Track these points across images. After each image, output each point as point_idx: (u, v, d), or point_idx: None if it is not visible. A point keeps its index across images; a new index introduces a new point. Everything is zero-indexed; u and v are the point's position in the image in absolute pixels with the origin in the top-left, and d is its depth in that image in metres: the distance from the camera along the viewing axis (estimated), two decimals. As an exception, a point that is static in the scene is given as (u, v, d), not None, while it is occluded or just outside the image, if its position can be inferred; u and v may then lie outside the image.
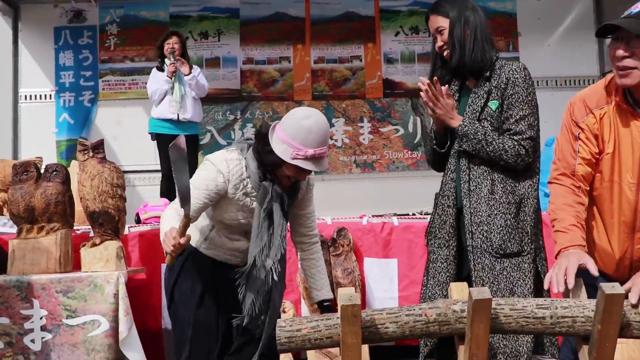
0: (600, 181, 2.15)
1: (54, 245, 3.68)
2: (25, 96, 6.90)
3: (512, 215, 2.40)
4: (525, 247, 2.41)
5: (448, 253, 2.51)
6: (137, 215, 4.55)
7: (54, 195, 3.72)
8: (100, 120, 6.87)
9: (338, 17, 7.00)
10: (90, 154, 3.77)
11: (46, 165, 3.83)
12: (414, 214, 4.71)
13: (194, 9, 6.99)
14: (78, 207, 3.97)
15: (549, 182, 2.28)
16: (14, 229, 3.98)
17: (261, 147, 2.56)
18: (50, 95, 6.92)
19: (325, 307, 2.83)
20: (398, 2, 7.05)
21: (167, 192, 5.20)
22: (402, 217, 4.53)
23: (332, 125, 6.96)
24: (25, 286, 3.52)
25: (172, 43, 5.53)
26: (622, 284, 2.05)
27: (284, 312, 4.12)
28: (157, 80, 5.58)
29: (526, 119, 2.43)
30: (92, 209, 3.72)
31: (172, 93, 5.46)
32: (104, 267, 3.66)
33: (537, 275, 2.43)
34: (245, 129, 6.91)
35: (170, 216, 2.60)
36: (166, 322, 4.20)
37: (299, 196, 2.80)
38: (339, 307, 1.81)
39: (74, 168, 4.62)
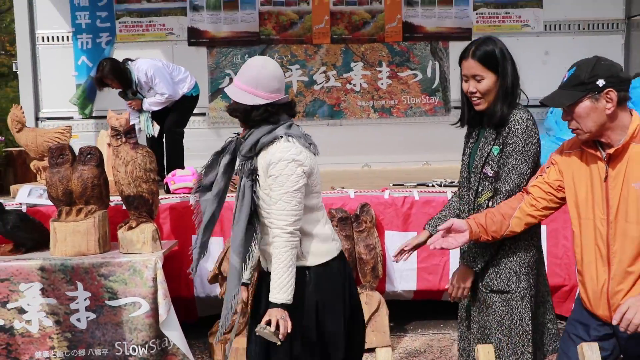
0: (577, 219, 2.34)
1: (93, 228, 3.87)
2: (43, 38, 6.86)
3: (501, 257, 2.57)
4: (512, 286, 2.55)
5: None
6: (167, 184, 4.70)
7: (90, 179, 3.86)
8: (119, 63, 6.85)
9: (359, -44, 6.80)
10: (123, 139, 3.86)
11: (80, 149, 3.94)
12: (433, 186, 4.82)
13: (211, -53, 6.79)
14: (110, 177, 4.11)
15: None
16: (49, 201, 4.14)
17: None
18: (68, 37, 6.87)
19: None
20: (421, -61, 6.82)
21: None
22: (423, 190, 4.66)
23: (350, 69, 6.95)
24: (70, 270, 3.74)
25: (109, 85, 5.38)
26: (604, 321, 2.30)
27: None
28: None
29: (517, 168, 2.52)
30: (127, 193, 3.87)
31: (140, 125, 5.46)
32: (141, 249, 3.85)
33: (528, 312, 2.57)
34: (264, 73, 6.89)
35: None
36: (198, 290, 4.47)
37: (250, 153, 2.57)
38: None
39: (103, 138, 4.75)
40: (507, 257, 2.57)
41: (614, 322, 2.11)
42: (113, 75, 5.30)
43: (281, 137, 2.51)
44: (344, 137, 6.93)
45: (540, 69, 6.89)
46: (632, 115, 2.22)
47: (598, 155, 2.25)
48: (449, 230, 2.42)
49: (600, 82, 2.15)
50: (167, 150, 5.52)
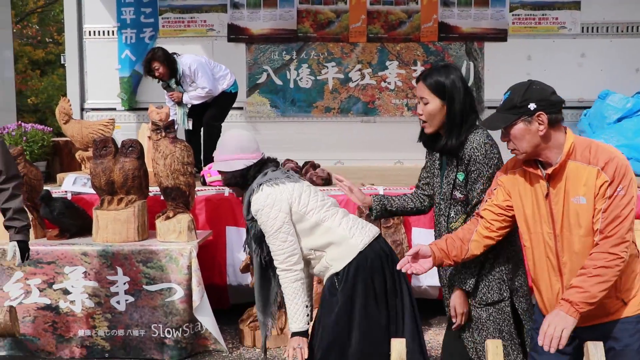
0: (528, 234, 2.45)
1: (132, 217, 4.09)
2: (90, 32, 7.15)
3: (488, 270, 2.66)
4: (504, 294, 2.66)
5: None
6: (203, 177, 4.90)
7: (131, 171, 4.08)
8: (161, 57, 7.09)
9: (396, -44, 6.90)
10: (163, 133, 4.07)
11: (122, 141, 4.16)
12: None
13: (251, -55, 6.98)
14: (150, 168, 4.32)
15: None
16: (92, 190, 4.37)
17: None
18: (113, 32, 7.14)
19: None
20: (458, -61, 6.89)
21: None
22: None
23: (385, 67, 7.06)
24: (110, 255, 3.97)
25: (155, 70, 5.52)
26: None
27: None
28: (170, 102, 5.78)
29: (486, 192, 2.62)
30: (165, 185, 4.09)
31: (177, 117, 5.67)
32: (177, 238, 4.07)
33: (515, 314, 2.72)
34: (301, 69, 7.06)
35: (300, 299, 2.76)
36: (230, 278, 4.67)
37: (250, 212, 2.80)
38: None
39: (144, 131, 4.98)
40: (494, 268, 2.65)
41: (539, 343, 2.21)
42: (163, 60, 5.52)
43: (254, 190, 2.75)
44: (377, 134, 7.05)
45: (576, 71, 6.90)
46: (566, 134, 2.31)
47: (539, 173, 2.35)
48: (416, 256, 2.50)
49: (532, 106, 2.25)
50: (205, 143, 5.73)
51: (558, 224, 2.33)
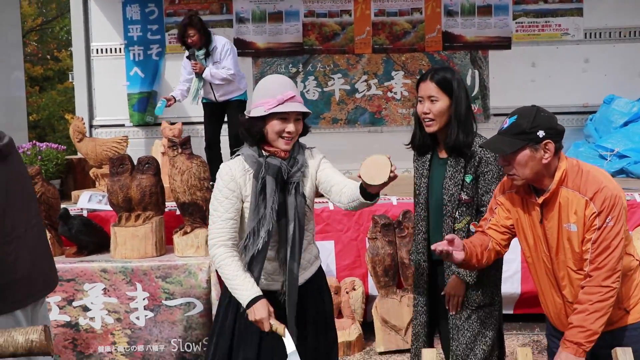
0: (529, 252, 2.51)
1: (150, 233, 4.13)
2: (97, 50, 7.22)
3: (485, 274, 2.77)
4: (496, 298, 2.84)
5: (425, 301, 2.96)
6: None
7: (148, 187, 4.12)
8: (168, 73, 7.17)
9: (399, -33, 6.98)
10: (179, 150, 4.12)
11: (139, 159, 4.20)
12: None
13: (256, -39, 7.05)
14: (166, 184, 4.36)
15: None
16: (108, 206, 4.42)
17: (245, 126, 2.62)
18: (120, 49, 7.21)
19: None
20: (461, -50, 6.96)
21: (209, 160, 5.70)
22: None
23: (391, 78, 7.12)
24: (130, 272, 4.01)
25: (189, 37, 5.61)
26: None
27: (354, 289, 4.55)
28: (185, 72, 5.90)
29: None
30: (182, 201, 4.12)
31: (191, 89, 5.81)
32: (195, 253, 4.10)
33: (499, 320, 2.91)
34: (307, 82, 7.12)
35: (236, 272, 2.47)
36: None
37: (303, 169, 2.66)
38: None
39: (157, 147, 5.03)
40: (490, 272, 2.77)
41: None
42: (200, 27, 5.61)
43: (308, 147, 2.78)
44: (385, 144, 7.07)
45: (580, 77, 6.96)
46: (559, 160, 2.34)
47: (533, 200, 2.40)
48: (451, 242, 2.43)
49: (541, 133, 2.27)
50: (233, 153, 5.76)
51: (553, 249, 2.38)
